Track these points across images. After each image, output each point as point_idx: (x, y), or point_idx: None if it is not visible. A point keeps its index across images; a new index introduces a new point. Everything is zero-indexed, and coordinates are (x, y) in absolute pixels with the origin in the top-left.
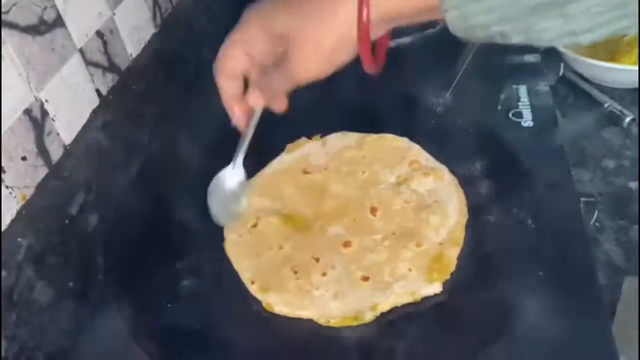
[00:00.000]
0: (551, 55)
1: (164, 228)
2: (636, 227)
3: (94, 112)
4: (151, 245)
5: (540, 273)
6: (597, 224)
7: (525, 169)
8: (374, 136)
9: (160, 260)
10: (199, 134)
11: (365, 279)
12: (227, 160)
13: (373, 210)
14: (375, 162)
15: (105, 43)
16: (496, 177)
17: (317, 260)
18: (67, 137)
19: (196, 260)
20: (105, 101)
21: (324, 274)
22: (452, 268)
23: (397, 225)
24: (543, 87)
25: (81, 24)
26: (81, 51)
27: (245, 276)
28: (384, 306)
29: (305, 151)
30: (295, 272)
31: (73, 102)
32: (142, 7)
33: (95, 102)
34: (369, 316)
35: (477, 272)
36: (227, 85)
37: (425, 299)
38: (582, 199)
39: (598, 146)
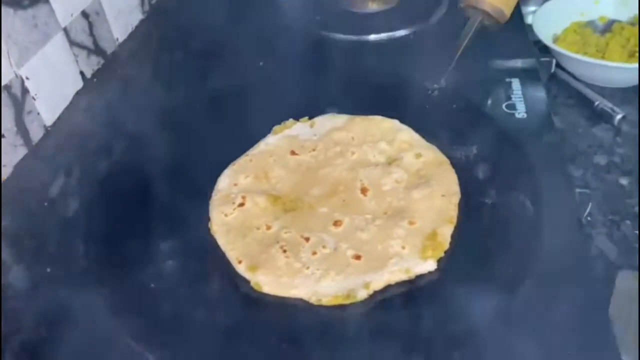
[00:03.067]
0: (543, 52)
1: (147, 210)
2: (628, 222)
3: (78, 94)
4: (133, 227)
5: (538, 254)
6: (589, 218)
7: (523, 153)
8: (363, 117)
9: (142, 241)
10: (184, 119)
11: (357, 257)
12: (210, 142)
13: (363, 191)
14: (365, 143)
15: (90, 24)
16: (493, 161)
17: (307, 239)
18: (49, 118)
19: (180, 240)
20: (90, 84)
21: (314, 253)
22: (447, 246)
23: (388, 205)
24: (535, 77)
25: (66, 3)
26: (65, 30)
27: (232, 255)
28: (377, 284)
29: (293, 132)
30: (285, 251)
31: (56, 82)
32: None
33: (79, 84)
34: (362, 294)
35: (473, 253)
36: None
37: (420, 277)
38: (577, 190)
39: (589, 143)
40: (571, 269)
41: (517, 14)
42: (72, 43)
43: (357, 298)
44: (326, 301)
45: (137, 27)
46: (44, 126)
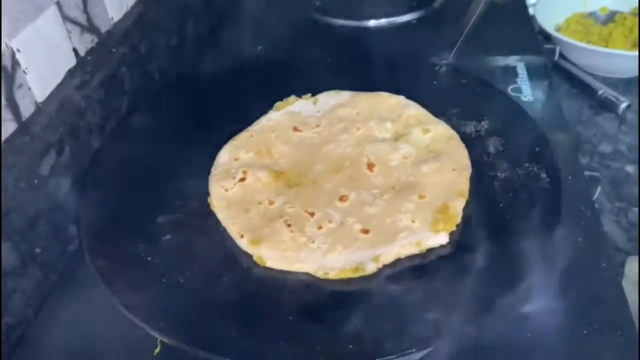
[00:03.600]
0: (546, 42)
1: (143, 185)
2: (635, 209)
3: (70, 72)
4: (128, 202)
5: (554, 226)
6: (596, 205)
7: (535, 126)
8: (368, 94)
9: (138, 216)
10: (181, 97)
11: (365, 231)
12: (209, 119)
13: (370, 166)
14: (370, 119)
15: (85, 0)
16: (505, 135)
17: (312, 214)
18: (40, 93)
19: (178, 215)
20: (83, 62)
21: (320, 227)
22: (458, 219)
23: (396, 180)
24: (540, 61)
25: None
26: (58, 4)
27: (233, 230)
28: (387, 257)
29: (295, 109)
30: (289, 226)
31: (48, 57)
32: None
33: (72, 61)
34: (370, 267)
35: (487, 226)
36: None
37: (431, 250)
38: (587, 173)
39: (594, 132)
40: (585, 246)
41: (522, 4)
42: (65, 18)
43: (366, 271)
44: (333, 275)
45: (132, 7)
46: (35, 102)
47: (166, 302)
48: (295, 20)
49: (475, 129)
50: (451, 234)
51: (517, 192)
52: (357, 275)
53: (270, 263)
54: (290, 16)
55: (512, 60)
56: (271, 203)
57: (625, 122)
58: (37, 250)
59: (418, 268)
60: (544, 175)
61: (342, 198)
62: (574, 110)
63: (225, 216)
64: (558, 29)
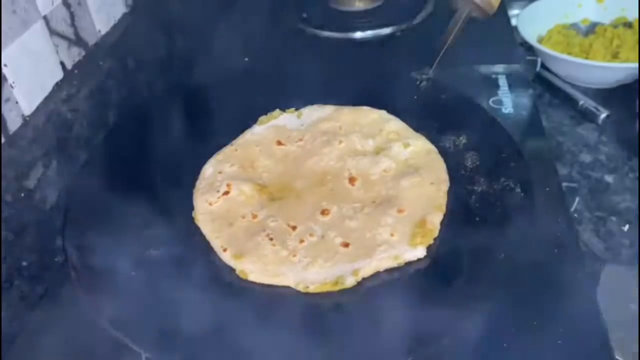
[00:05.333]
0: (528, 53)
1: (128, 200)
2: (614, 218)
3: (58, 85)
4: (114, 216)
5: (530, 240)
6: (575, 215)
7: (511, 141)
8: (350, 108)
9: (123, 231)
10: (167, 111)
11: (346, 245)
12: (195, 133)
13: (351, 180)
14: (353, 133)
15: (72, 15)
16: (482, 149)
17: (294, 228)
18: (27, 107)
19: (163, 229)
20: (70, 75)
21: (301, 241)
22: (436, 233)
23: (376, 194)
24: (521, 73)
25: None
26: (45, 19)
27: (216, 244)
28: (366, 271)
29: (279, 123)
30: (271, 239)
31: (35, 71)
32: None
33: (59, 74)
34: (350, 281)
35: (463, 240)
36: None
37: (409, 264)
38: (564, 183)
39: (574, 142)
40: (560, 258)
41: (504, 15)
42: (53, 32)
43: (346, 285)
44: (314, 288)
45: (120, 20)
46: (22, 115)
47: (150, 316)
48: (282, 32)
49: (454, 144)
50: (428, 247)
51: (493, 207)
52: (337, 288)
53: (253, 277)
54: (277, 27)
55: (493, 72)
56: (254, 217)
57: (605, 133)
58: (24, 263)
59: (396, 281)
60: (518, 190)
61: (323, 212)
62: (555, 121)
63: (209, 230)
64: (540, 40)
